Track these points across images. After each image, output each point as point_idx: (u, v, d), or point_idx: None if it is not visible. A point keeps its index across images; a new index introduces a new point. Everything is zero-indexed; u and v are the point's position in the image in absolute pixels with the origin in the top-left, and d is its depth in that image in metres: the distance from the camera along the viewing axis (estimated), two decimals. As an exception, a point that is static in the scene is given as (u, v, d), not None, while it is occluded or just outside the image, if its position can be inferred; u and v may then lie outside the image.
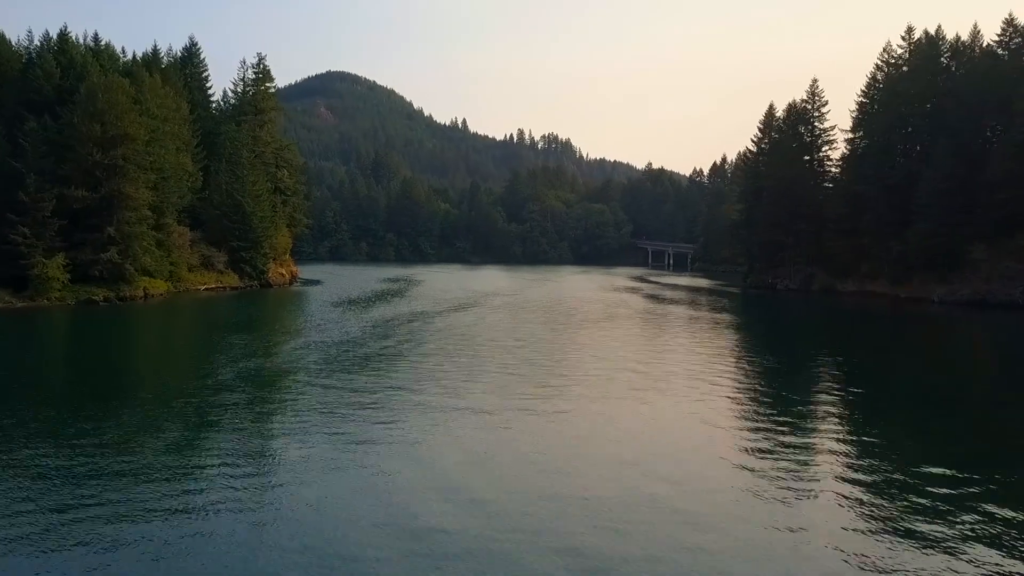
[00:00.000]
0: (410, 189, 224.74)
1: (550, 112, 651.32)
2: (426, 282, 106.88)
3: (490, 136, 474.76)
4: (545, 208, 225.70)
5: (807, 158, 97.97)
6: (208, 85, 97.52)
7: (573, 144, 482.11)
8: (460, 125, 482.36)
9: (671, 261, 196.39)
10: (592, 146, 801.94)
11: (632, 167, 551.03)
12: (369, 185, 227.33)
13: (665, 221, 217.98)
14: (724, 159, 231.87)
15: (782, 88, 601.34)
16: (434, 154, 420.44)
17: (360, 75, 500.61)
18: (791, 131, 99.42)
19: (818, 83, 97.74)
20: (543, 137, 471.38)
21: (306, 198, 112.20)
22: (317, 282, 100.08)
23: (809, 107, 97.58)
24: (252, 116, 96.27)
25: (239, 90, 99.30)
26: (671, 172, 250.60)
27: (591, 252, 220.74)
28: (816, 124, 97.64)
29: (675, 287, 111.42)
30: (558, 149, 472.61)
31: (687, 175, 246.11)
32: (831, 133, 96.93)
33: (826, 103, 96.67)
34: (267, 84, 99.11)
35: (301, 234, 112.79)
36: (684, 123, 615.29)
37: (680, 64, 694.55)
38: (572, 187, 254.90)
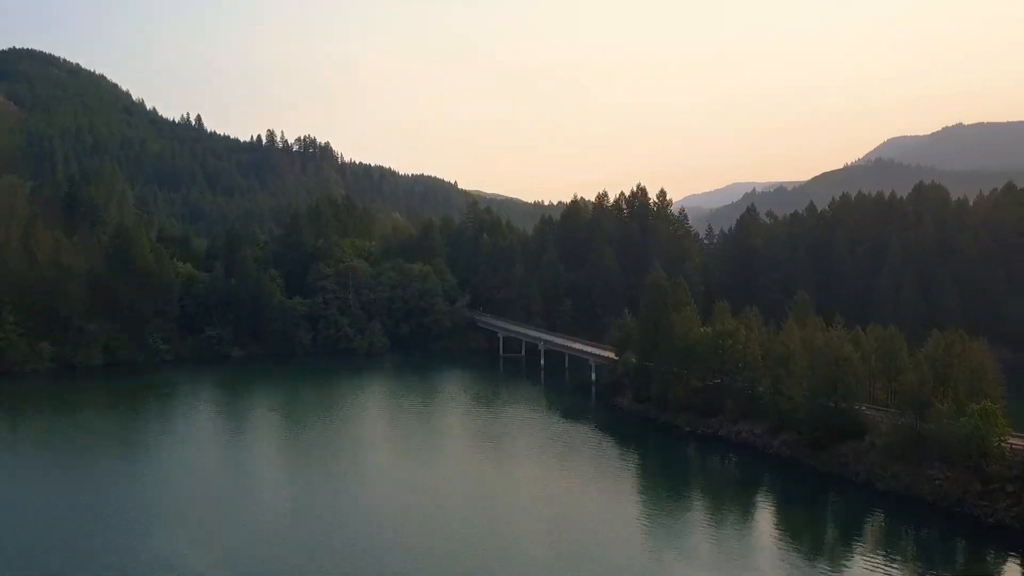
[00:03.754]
0: (130, 244, 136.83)
1: (306, 111, 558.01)
2: None
3: (233, 137, 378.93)
4: (344, 271, 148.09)
5: None
6: None
7: (334, 148, 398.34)
8: (194, 123, 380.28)
9: (541, 361, 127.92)
10: (355, 151, 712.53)
11: (396, 172, 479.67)
12: (58, 239, 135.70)
13: (516, 291, 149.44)
14: (578, 198, 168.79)
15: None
16: (162, 159, 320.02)
17: (58, 55, 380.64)
18: None
19: None
20: (298, 140, 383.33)
21: None
22: None
23: None
24: None
25: None
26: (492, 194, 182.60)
27: (414, 334, 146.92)
28: None
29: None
30: (317, 154, 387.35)
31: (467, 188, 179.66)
32: None
33: None
34: None
35: None
36: (467, 126, 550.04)
37: (457, 56, 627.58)
38: (368, 231, 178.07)
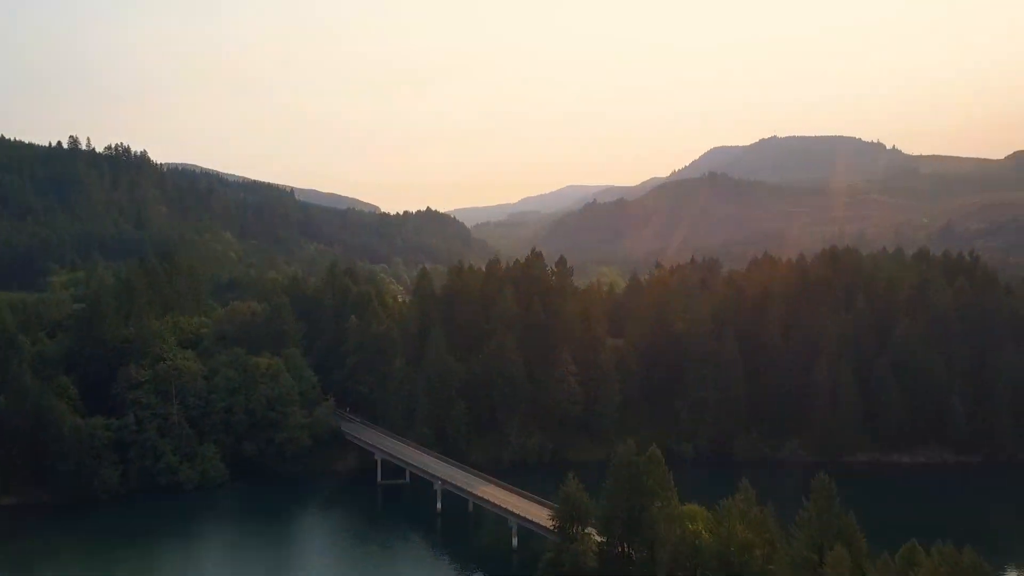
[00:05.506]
0: None
1: (118, 109, 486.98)
2: None
3: (27, 142, 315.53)
4: (165, 373, 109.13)
5: None
6: None
7: (151, 156, 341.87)
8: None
9: (437, 505, 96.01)
10: (176, 152, 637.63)
11: (226, 179, 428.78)
12: None
13: (395, 391, 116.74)
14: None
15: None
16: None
17: None
18: None
19: None
20: (108, 148, 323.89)
21: None
22: None
23: None
24: None
25: None
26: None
27: (262, 455, 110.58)
28: None
29: None
30: (131, 162, 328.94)
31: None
32: None
33: None
34: None
35: None
36: (301, 122, 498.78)
37: (287, 49, 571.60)
38: (196, 299, 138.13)
